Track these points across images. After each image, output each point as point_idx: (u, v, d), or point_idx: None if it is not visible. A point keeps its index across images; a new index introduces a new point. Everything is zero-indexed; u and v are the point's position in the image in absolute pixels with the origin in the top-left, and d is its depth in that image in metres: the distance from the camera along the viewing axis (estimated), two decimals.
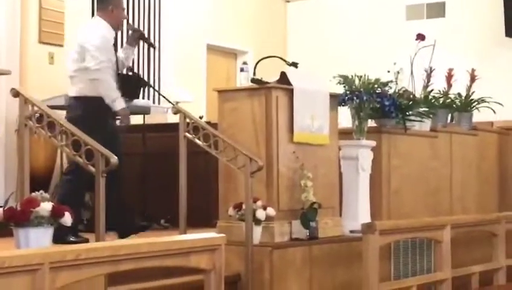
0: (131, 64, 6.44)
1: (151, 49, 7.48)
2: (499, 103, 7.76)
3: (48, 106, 4.61)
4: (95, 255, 3.26)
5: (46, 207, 3.74)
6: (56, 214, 3.76)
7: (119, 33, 6.80)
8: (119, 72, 5.93)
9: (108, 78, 5.62)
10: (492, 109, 7.79)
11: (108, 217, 4.27)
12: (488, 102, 7.79)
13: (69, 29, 8.29)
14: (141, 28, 9.04)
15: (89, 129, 4.46)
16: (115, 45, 6.05)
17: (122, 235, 5.56)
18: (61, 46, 8.21)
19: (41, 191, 3.84)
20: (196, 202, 5.82)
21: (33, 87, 7.55)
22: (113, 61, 5.74)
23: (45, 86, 7.49)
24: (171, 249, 3.60)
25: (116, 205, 5.27)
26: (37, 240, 3.71)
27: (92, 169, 4.12)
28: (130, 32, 6.16)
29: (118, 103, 5.61)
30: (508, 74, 8.87)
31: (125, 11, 6.18)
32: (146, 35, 6.32)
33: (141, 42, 6.33)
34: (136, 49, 6.43)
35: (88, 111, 5.52)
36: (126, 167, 5.47)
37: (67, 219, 3.78)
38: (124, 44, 6.21)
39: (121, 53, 6.04)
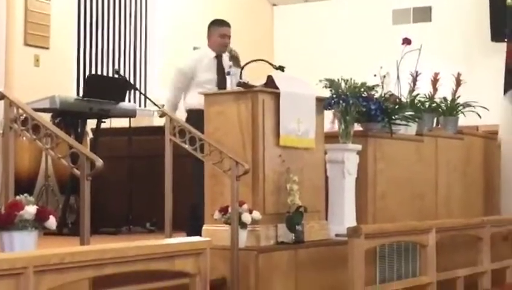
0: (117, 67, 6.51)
1: (138, 52, 7.51)
2: (484, 107, 7.80)
3: (34, 109, 4.58)
4: (80, 259, 3.24)
5: (30, 210, 3.71)
6: (41, 218, 3.74)
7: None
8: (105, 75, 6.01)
9: None
10: (477, 114, 7.82)
11: None
12: (473, 106, 7.82)
13: (55, 32, 8.27)
14: (127, 29, 9.07)
15: None
16: None
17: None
18: (47, 48, 8.18)
19: (25, 195, 3.81)
20: (182, 205, 5.81)
21: (18, 89, 7.52)
22: None
23: (31, 88, 7.46)
24: (156, 253, 3.59)
25: None
26: (22, 244, 3.68)
27: (77, 172, 4.10)
28: None
29: None
30: (493, 79, 8.90)
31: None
32: None
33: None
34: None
35: None
36: (111, 170, 5.44)
37: (51, 223, 3.75)
38: None
39: None
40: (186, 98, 6.58)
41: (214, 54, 6.57)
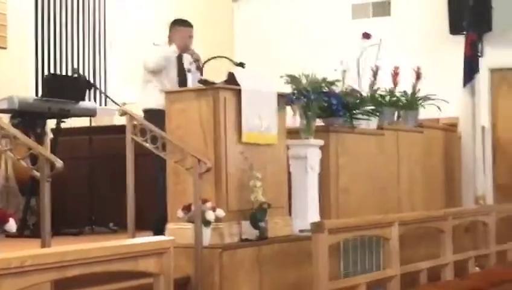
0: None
1: (97, 50, 7.43)
2: (444, 100, 7.87)
3: None
4: (41, 262, 3.19)
5: None
6: (0, 220, 3.69)
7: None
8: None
9: None
10: (437, 106, 7.90)
11: None
12: (433, 99, 7.89)
13: (12, 31, 8.16)
14: (86, 28, 8.98)
15: None
16: None
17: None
18: (4, 48, 8.07)
19: None
20: (145, 205, 5.77)
21: None
22: None
23: None
24: (119, 254, 3.55)
25: None
26: None
27: (37, 174, 4.05)
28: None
29: None
30: (452, 71, 8.98)
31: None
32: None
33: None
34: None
35: None
36: (72, 170, 5.39)
37: (11, 225, 3.71)
38: None
39: None
40: (143, 97, 6.50)
41: (176, 54, 6.50)
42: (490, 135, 9.38)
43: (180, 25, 6.57)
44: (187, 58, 6.43)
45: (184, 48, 6.45)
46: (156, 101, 6.06)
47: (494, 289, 6.77)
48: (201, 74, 6.20)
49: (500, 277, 6.99)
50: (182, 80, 6.34)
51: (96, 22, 9.49)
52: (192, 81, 5.93)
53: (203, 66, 6.14)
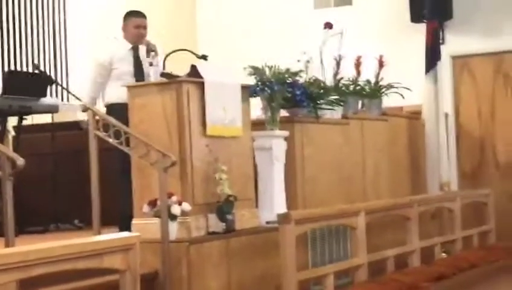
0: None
1: (57, 45, 7.34)
2: (407, 88, 7.92)
3: None
4: (5, 262, 3.15)
5: None
6: None
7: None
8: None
9: None
10: (401, 94, 7.94)
11: None
12: (396, 88, 7.93)
13: None
14: (46, 23, 8.86)
15: None
16: None
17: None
18: None
19: None
20: (110, 200, 5.72)
21: None
22: None
23: None
24: (84, 251, 3.52)
25: None
26: None
27: None
28: None
29: None
30: (414, 59, 9.02)
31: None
32: None
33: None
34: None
35: None
36: (35, 167, 5.32)
37: None
38: None
39: None
40: (104, 92, 6.41)
41: (129, 46, 6.42)
42: (453, 122, 9.45)
43: (132, 16, 6.50)
44: (143, 50, 6.35)
45: (138, 39, 6.37)
46: (117, 95, 5.99)
47: (461, 274, 6.85)
48: (164, 61, 6.13)
49: (466, 262, 7.07)
50: (138, 72, 6.28)
51: (56, 16, 9.37)
52: (153, 74, 5.87)
53: (165, 59, 6.08)
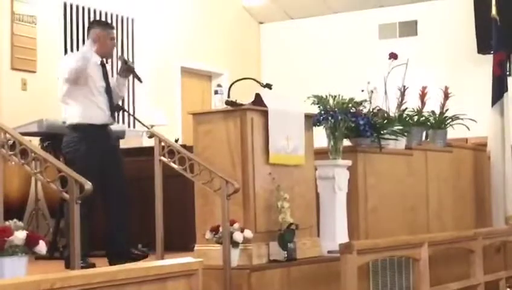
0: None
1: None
2: (473, 120, 7.82)
3: (22, 133, 4.57)
4: (70, 284, 3.21)
5: (20, 236, 3.68)
6: (30, 243, 3.72)
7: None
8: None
9: None
10: (466, 126, 7.85)
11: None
12: (461, 119, 7.85)
13: (42, 55, 8.26)
14: (115, 51, 9.03)
15: None
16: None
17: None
18: (34, 72, 8.18)
19: (14, 220, 3.79)
20: (173, 226, 5.78)
21: (6, 114, 7.51)
22: None
23: (18, 112, 7.44)
24: (148, 276, 3.56)
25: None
26: (12, 270, 3.65)
27: (66, 196, 4.08)
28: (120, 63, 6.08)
29: None
30: (480, 90, 8.94)
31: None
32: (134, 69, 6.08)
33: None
34: (111, 72, 6.32)
35: None
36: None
37: (41, 247, 3.73)
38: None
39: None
40: (68, 110, 5.82)
41: (99, 59, 5.88)
42: None
43: (107, 27, 6.02)
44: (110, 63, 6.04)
45: (111, 52, 6.07)
46: (83, 113, 5.70)
47: None
48: (137, 76, 6.02)
49: None
50: (108, 89, 5.88)
51: (124, 44, 9.58)
52: (218, 101, 5.87)
53: (230, 87, 6.14)
